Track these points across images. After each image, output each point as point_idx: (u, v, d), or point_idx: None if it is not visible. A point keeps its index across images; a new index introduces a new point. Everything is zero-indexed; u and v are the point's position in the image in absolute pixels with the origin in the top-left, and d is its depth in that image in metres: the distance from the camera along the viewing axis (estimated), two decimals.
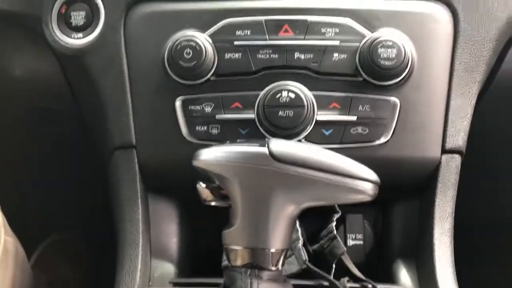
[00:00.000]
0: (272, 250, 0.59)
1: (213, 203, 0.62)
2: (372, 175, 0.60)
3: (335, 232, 0.80)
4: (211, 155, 0.59)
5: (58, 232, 1.29)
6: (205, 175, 0.61)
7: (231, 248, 0.60)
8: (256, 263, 0.59)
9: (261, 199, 0.58)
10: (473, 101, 0.79)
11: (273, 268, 0.60)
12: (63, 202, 1.21)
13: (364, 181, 0.59)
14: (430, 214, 0.78)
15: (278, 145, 0.58)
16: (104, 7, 0.79)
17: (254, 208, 0.58)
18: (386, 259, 0.84)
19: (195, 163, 0.61)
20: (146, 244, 0.80)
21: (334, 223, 0.81)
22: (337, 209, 0.81)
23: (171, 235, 0.85)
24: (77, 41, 0.79)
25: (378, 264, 0.86)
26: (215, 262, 0.78)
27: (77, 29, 0.80)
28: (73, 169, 1.14)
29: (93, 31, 0.79)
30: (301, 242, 0.77)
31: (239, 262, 0.60)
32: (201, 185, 0.62)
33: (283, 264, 0.61)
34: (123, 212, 0.79)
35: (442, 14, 0.77)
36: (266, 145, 0.57)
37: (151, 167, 0.79)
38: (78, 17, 0.80)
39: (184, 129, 0.76)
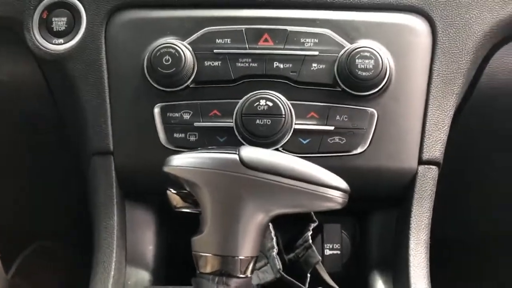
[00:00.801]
0: (241, 257, 0.59)
1: (183, 210, 0.62)
2: (342, 183, 0.60)
3: (310, 241, 0.80)
4: (181, 161, 0.59)
5: (42, 240, 1.28)
6: (176, 181, 0.61)
7: (200, 254, 0.60)
8: (225, 270, 0.59)
9: (230, 206, 0.58)
10: (451, 113, 0.79)
11: (242, 276, 0.60)
12: (46, 209, 1.20)
13: (333, 189, 0.59)
14: (407, 225, 0.78)
15: (249, 152, 0.58)
16: (86, 13, 0.79)
17: (223, 215, 0.58)
18: (363, 269, 0.84)
19: (166, 169, 0.61)
20: (121, 251, 0.79)
21: (310, 232, 0.81)
22: (314, 218, 0.81)
23: (147, 242, 0.84)
24: (58, 46, 0.80)
25: (355, 274, 0.86)
26: (192, 269, 0.77)
27: (58, 34, 0.80)
28: (56, 175, 1.14)
29: (74, 36, 0.80)
30: (276, 250, 0.77)
31: (208, 269, 0.59)
32: (171, 191, 0.62)
33: (252, 272, 0.61)
34: (98, 218, 0.79)
35: (421, 27, 0.78)
36: (237, 152, 0.58)
37: (129, 173, 0.79)
38: (59, 22, 0.80)
39: (162, 136, 0.77)
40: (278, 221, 0.70)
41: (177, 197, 0.62)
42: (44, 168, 1.11)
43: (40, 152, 1.06)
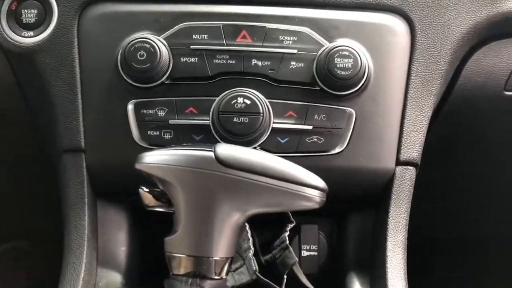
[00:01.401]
0: (216, 258, 0.57)
1: (156, 209, 0.60)
2: (320, 182, 0.59)
3: (287, 242, 0.79)
4: (154, 158, 0.57)
5: (10, 240, 1.25)
6: (149, 179, 0.59)
7: (173, 255, 0.58)
8: (199, 272, 0.57)
9: (205, 205, 0.56)
10: (429, 114, 0.79)
11: (217, 277, 0.58)
12: (15, 209, 1.16)
13: (311, 188, 0.58)
14: (384, 226, 0.77)
15: (225, 149, 0.56)
16: (58, 6, 0.77)
17: (197, 214, 0.56)
18: (340, 270, 0.84)
19: (138, 166, 0.59)
20: (92, 252, 0.77)
21: (287, 233, 0.80)
22: (291, 219, 0.80)
23: (119, 243, 0.82)
24: (28, 39, 0.77)
25: (332, 275, 0.85)
26: (165, 271, 0.75)
27: (28, 27, 0.77)
28: (27, 174, 1.10)
29: (45, 29, 0.77)
30: (252, 251, 0.76)
31: (181, 271, 0.58)
32: (144, 190, 0.60)
33: (227, 273, 0.59)
34: (69, 218, 0.76)
35: (400, 27, 0.78)
36: (213, 149, 0.56)
37: (101, 172, 0.77)
38: (29, 14, 0.77)
39: (135, 134, 0.74)
40: (255, 221, 0.69)
41: (150, 196, 0.60)
42: (13, 167, 1.08)
43: (7, 149, 1.02)
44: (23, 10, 0.77)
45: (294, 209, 0.59)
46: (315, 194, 0.58)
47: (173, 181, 0.56)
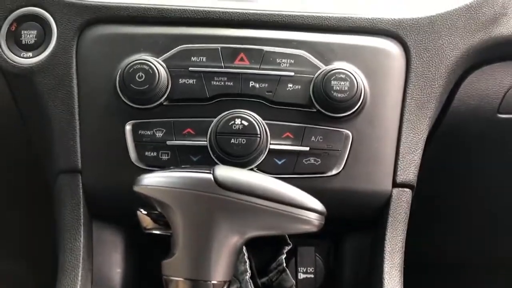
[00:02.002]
0: (214, 282, 0.57)
1: (154, 231, 0.60)
2: (318, 205, 0.59)
3: (284, 264, 0.79)
4: (152, 180, 0.57)
5: (3, 261, 1.23)
6: (147, 202, 0.59)
7: (171, 279, 0.57)
8: None
9: (203, 227, 0.56)
10: (424, 136, 0.80)
11: None
12: (7, 229, 1.15)
13: (309, 211, 0.58)
14: (381, 248, 0.77)
15: (224, 171, 0.56)
16: (57, 27, 0.77)
17: (195, 237, 0.56)
18: None
19: (136, 188, 0.59)
20: (87, 274, 0.76)
21: (284, 256, 0.79)
22: (288, 241, 0.80)
23: (115, 265, 0.81)
24: (27, 60, 0.77)
25: None
26: None
27: (27, 47, 0.77)
28: (20, 194, 1.09)
29: (43, 50, 0.77)
30: (249, 274, 0.75)
31: None
32: (142, 212, 0.59)
33: None
34: (64, 240, 0.75)
35: (395, 50, 0.79)
36: (211, 171, 0.56)
37: (97, 193, 0.76)
38: (29, 35, 0.77)
39: (133, 155, 0.74)
40: (252, 244, 0.68)
41: (148, 218, 0.59)
42: (7, 187, 1.07)
43: (4, 168, 1.02)
44: (22, 31, 0.77)
45: (292, 232, 0.59)
46: (314, 217, 0.58)
47: (172, 204, 0.56)
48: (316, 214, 0.58)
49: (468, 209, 1.07)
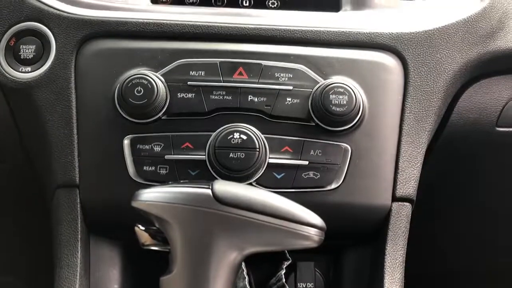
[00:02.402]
0: None
1: (152, 248, 0.59)
2: (318, 220, 0.58)
3: (283, 280, 0.78)
4: (150, 196, 0.57)
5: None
6: (145, 217, 0.59)
7: None
8: None
9: (202, 244, 0.55)
10: (423, 150, 0.80)
11: None
12: (2, 243, 1.13)
13: (309, 226, 0.57)
14: (381, 263, 0.77)
15: (223, 186, 0.56)
16: (56, 42, 0.77)
17: (194, 253, 0.55)
18: None
19: (134, 203, 0.59)
20: None
21: (283, 271, 0.78)
22: (288, 256, 0.79)
23: (112, 281, 0.80)
24: (25, 74, 0.77)
25: None
26: None
27: (26, 62, 0.77)
28: (15, 209, 1.08)
29: (42, 65, 0.77)
30: None
31: None
32: (140, 228, 0.59)
33: None
34: (61, 256, 0.75)
35: (393, 64, 0.79)
36: (210, 186, 0.55)
37: (95, 208, 0.76)
38: (27, 50, 0.78)
39: (131, 169, 0.74)
40: (251, 259, 0.67)
41: (146, 234, 0.58)
42: (4, 199, 1.06)
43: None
44: (21, 46, 0.78)
45: (292, 248, 0.59)
46: (314, 233, 0.58)
47: (170, 219, 0.55)
48: (316, 230, 0.58)
49: (468, 221, 1.07)
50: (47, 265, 0.82)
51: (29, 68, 0.77)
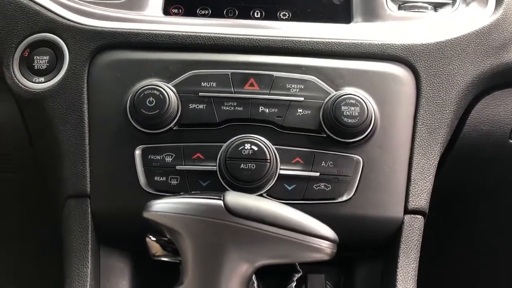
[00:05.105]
0: None
1: (163, 258, 0.59)
2: (330, 233, 0.58)
3: None
4: (162, 206, 0.57)
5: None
6: (157, 228, 0.58)
7: None
8: None
9: (213, 255, 0.55)
10: (436, 162, 0.79)
11: None
12: (10, 255, 1.13)
13: (321, 239, 0.56)
14: (393, 276, 0.76)
15: (235, 198, 0.56)
16: (69, 53, 0.78)
17: (205, 265, 0.55)
18: None
19: (146, 214, 0.59)
20: None
21: (294, 283, 0.78)
22: (298, 268, 0.78)
23: None
24: (38, 85, 0.78)
25: None
26: None
27: (39, 73, 0.78)
28: (25, 219, 1.08)
29: (55, 75, 0.78)
30: None
31: None
32: (151, 239, 0.59)
33: None
34: (71, 266, 0.74)
35: (405, 76, 0.79)
36: (222, 197, 0.55)
37: (105, 218, 0.76)
38: (41, 61, 0.78)
39: (142, 179, 0.74)
40: (261, 271, 0.67)
41: (157, 245, 0.58)
42: (12, 212, 1.06)
43: (9, 193, 1.01)
44: (35, 57, 0.78)
45: (304, 261, 0.58)
46: (326, 246, 0.57)
47: (182, 231, 0.55)
48: (328, 242, 0.57)
49: (481, 234, 1.05)
50: (52, 276, 0.82)
51: (42, 79, 0.78)
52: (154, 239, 0.59)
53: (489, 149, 0.88)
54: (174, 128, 0.75)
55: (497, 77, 0.83)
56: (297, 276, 0.78)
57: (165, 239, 0.58)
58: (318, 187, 0.74)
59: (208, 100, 0.75)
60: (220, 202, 0.55)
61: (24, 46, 0.79)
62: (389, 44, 0.79)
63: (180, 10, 0.87)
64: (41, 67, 0.78)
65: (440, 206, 0.82)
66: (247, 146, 0.72)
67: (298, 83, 0.76)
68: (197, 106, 0.75)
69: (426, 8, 0.87)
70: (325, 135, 0.75)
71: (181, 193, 0.61)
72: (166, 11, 0.86)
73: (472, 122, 0.86)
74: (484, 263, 1.10)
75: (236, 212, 0.54)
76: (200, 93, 0.75)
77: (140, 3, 0.84)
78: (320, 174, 0.74)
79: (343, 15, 0.86)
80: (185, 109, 0.74)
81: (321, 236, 0.57)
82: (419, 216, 0.77)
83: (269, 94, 0.76)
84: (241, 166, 0.71)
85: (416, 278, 0.77)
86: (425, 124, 0.78)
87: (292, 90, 0.76)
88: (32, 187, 0.95)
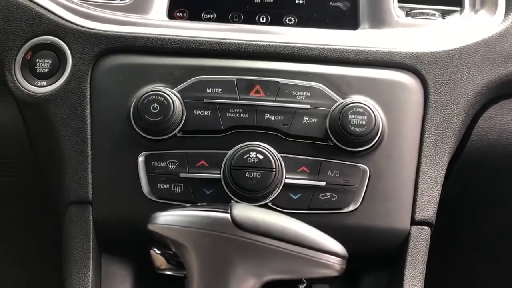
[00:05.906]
0: None
1: (167, 272, 0.57)
2: (340, 248, 0.57)
3: None
4: (167, 219, 0.55)
5: None
6: (162, 241, 0.57)
7: None
8: None
9: (219, 270, 0.53)
10: (443, 172, 0.78)
11: None
12: (10, 259, 1.12)
13: (330, 254, 0.55)
14: None
15: (242, 211, 0.54)
16: (72, 56, 0.77)
17: (211, 279, 0.54)
18: None
19: (150, 226, 0.57)
20: None
21: None
22: (303, 279, 0.77)
23: None
24: (40, 89, 0.77)
25: None
26: None
27: (42, 76, 0.77)
28: (26, 223, 1.07)
29: (58, 79, 0.77)
30: None
31: None
32: (156, 252, 0.57)
33: None
34: (71, 274, 0.73)
35: (413, 84, 0.78)
36: (229, 211, 0.54)
37: (107, 225, 0.75)
38: (43, 64, 0.77)
39: (145, 187, 0.73)
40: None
41: (162, 258, 0.57)
42: (12, 217, 1.05)
43: (9, 198, 1.00)
44: (37, 60, 0.77)
45: (312, 277, 0.57)
46: (335, 261, 0.56)
47: (187, 244, 0.54)
48: (338, 258, 0.56)
49: (488, 244, 1.04)
50: (53, 279, 0.81)
51: (44, 82, 0.77)
52: (158, 252, 0.58)
53: (497, 158, 0.87)
54: (178, 135, 0.73)
55: (505, 86, 0.82)
56: (301, 286, 0.77)
57: (170, 252, 0.57)
58: (324, 197, 0.73)
59: (213, 106, 0.74)
60: (227, 216, 0.54)
61: (26, 49, 0.77)
62: (397, 52, 0.78)
63: (185, 14, 0.86)
64: (44, 70, 0.77)
65: (447, 215, 0.81)
66: (253, 154, 0.71)
67: (304, 90, 0.75)
68: (202, 112, 0.74)
69: (434, 15, 0.85)
70: (331, 144, 0.74)
71: (187, 204, 0.59)
72: (171, 15, 0.85)
73: (479, 131, 0.85)
74: (492, 273, 1.09)
75: (243, 226, 0.53)
76: (205, 100, 0.74)
77: (144, 6, 0.83)
78: (326, 183, 0.73)
79: (350, 21, 0.85)
80: (190, 116, 0.73)
81: (330, 252, 0.56)
82: (426, 227, 0.76)
83: (275, 101, 0.74)
84: (246, 175, 0.70)
85: None
86: (432, 133, 0.77)
87: (298, 97, 0.75)
88: (32, 191, 0.94)
